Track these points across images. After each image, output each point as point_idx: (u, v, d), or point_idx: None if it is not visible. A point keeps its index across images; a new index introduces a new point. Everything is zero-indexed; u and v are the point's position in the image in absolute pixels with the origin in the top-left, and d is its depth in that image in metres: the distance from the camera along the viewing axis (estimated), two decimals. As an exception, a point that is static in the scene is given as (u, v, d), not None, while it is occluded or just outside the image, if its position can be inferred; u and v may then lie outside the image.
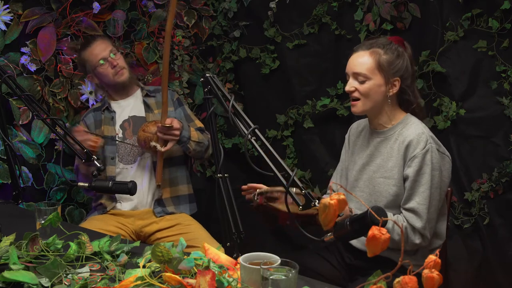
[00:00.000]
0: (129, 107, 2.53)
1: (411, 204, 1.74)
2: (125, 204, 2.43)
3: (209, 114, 1.63)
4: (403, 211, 1.77)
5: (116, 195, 2.41)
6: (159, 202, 2.42)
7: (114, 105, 2.53)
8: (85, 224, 2.29)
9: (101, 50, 2.44)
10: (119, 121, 2.50)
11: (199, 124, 2.54)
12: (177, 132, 2.29)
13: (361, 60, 1.80)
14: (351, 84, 1.81)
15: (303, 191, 1.43)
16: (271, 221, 1.70)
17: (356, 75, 1.80)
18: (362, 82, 1.79)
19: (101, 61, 2.42)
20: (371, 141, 1.91)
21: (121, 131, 2.48)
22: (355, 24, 2.70)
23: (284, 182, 1.44)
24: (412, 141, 1.75)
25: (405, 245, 1.75)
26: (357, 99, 1.81)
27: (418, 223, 1.72)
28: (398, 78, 1.79)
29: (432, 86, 2.53)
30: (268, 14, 2.86)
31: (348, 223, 1.32)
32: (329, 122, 2.87)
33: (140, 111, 2.51)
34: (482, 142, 2.47)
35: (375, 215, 1.13)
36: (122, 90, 2.51)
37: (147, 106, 2.51)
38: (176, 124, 2.28)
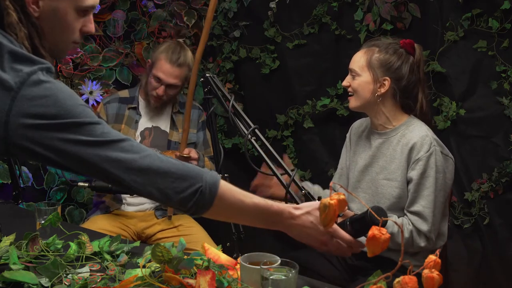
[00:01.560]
0: (156, 116, 2.47)
1: (416, 208, 1.74)
2: (129, 207, 2.42)
3: (209, 114, 1.63)
4: (407, 214, 1.77)
5: (122, 197, 2.41)
6: (160, 207, 2.42)
7: (143, 106, 2.46)
8: (87, 224, 2.29)
9: (171, 76, 2.34)
10: (141, 127, 2.44)
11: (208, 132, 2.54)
12: (195, 163, 2.28)
13: (356, 57, 1.87)
14: (347, 80, 1.89)
15: (303, 191, 1.44)
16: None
17: (350, 71, 1.87)
18: (353, 78, 1.86)
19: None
20: (373, 141, 1.91)
21: (139, 138, 2.42)
22: (355, 24, 2.69)
23: (285, 182, 1.45)
24: (416, 143, 1.75)
25: (410, 248, 1.75)
26: (352, 95, 1.88)
27: (424, 226, 1.72)
28: (388, 77, 1.80)
29: (432, 86, 2.53)
30: (268, 14, 2.86)
31: (348, 223, 1.33)
32: (329, 122, 2.87)
33: (165, 125, 2.47)
34: (482, 142, 2.46)
35: (375, 215, 1.13)
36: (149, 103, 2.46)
37: (173, 123, 2.47)
38: (194, 154, 2.28)
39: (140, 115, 2.44)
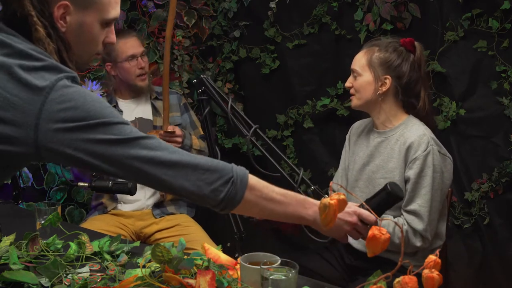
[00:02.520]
0: (136, 108, 2.49)
1: (413, 206, 1.74)
2: (126, 205, 2.42)
3: (204, 115, 1.63)
4: (404, 213, 1.77)
5: (118, 196, 2.41)
6: (157, 205, 2.42)
7: (122, 103, 2.49)
8: (85, 224, 2.29)
9: (134, 46, 2.41)
10: None
11: (202, 132, 2.54)
12: (180, 139, 2.31)
13: (358, 57, 1.88)
14: (349, 81, 1.90)
15: (312, 187, 1.45)
16: (274, 231, 1.71)
17: (352, 71, 1.88)
18: (355, 78, 1.87)
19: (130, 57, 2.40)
20: (371, 141, 1.91)
21: None
22: (355, 24, 2.69)
23: (292, 182, 1.45)
24: (413, 143, 1.75)
25: (406, 248, 1.75)
26: (353, 95, 1.89)
27: (419, 225, 1.72)
28: (388, 76, 1.80)
29: (432, 86, 2.53)
30: (268, 14, 2.86)
31: (364, 203, 1.34)
32: (329, 122, 2.87)
33: (148, 114, 2.49)
34: (482, 142, 2.46)
35: (368, 206, 1.13)
36: (134, 92, 2.48)
37: (154, 109, 2.49)
38: (178, 131, 2.31)
39: (122, 111, 2.46)
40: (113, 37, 1.22)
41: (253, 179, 1.17)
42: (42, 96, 1.01)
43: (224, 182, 1.12)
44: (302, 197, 1.27)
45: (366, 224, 1.32)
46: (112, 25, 1.21)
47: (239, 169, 1.16)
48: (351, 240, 1.89)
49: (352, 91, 1.88)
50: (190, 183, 1.09)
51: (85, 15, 1.13)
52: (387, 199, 1.35)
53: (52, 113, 1.01)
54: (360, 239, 1.83)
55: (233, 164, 1.16)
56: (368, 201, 1.36)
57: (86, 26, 1.15)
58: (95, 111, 1.04)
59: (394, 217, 1.78)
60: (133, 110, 2.49)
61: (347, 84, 1.89)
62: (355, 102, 1.89)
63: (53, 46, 1.10)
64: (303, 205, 1.25)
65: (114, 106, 2.46)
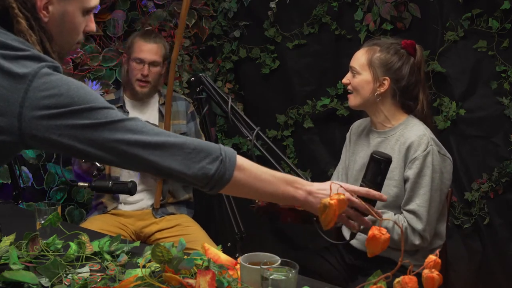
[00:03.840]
0: (143, 111, 2.48)
1: (412, 206, 1.74)
2: (127, 206, 2.42)
3: (203, 114, 1.63)
4: (403, 212, 1.77)
5: (120, 197, 2.41)
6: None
7: (129, 104, 2.47)
8: (85, 224, 2.29)
9: (149, 52, 2.38)
10: None
11: (202, 132, 2.54)
12: None
13: (358, 55, 1.87)
14: (347, 77, 1.89)
15: None
16: (273, 220, 1.70)
17: (351, 69, 1.88)
18: (354, 76, 1.86)
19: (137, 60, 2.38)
20: (371, 140, 1.91)
21: None
22: (355, 24, 2.70)
23: None
24: (413, 143, 1.76)
25: (404, 246, 1.75)
26: (351, 93, 1.89)
27: (418, 225, 1.72)
28: (387, 77, 1.80)
29: (432, 86, 2.53)
30: (268, 14, 2.86)
31: (361, 182, 1.34)
32: (329, 122, 2.87)
33: (154, 119, 2.47)
34: (482, 142, 2.47)
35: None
36: (135, 93, 2.45)
37: (161, 115, 2.47)
38: None
39: (128, 113, 2.44)
40: (92, 26, 1.22)
41: (241, 159, 1.17)
42: (25, 84, 1.00)
43: (212, 160, 1.11)
44: (292, 177, 1.25)
45: (361, 211, 1.26)
46: (92, 14, 1.21)
47: (227, 149, 1.15)
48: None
49: (349, 88, 1.89)
50: (177, 163, 1.08)
51: (67, 4, 1.13)
52: (379, 168, 1.34)
53: (36, 100, 1.00)
54: (360, 239, 1.84)
55: (220, 145, 1.15)
56: (363, 181, 1.36)
57: (68, 15, 1.14)
58: (79, 97, 1.03)
59: (395, 214, 1.78)
60: (140, 112, 2.46)
61: (345, 80, 1.89)
62: (352, 101, 1.89)
63: (36, 37, 1.10)
64: (293, 185, 1.24)
65: (121, 106, 2.44)
